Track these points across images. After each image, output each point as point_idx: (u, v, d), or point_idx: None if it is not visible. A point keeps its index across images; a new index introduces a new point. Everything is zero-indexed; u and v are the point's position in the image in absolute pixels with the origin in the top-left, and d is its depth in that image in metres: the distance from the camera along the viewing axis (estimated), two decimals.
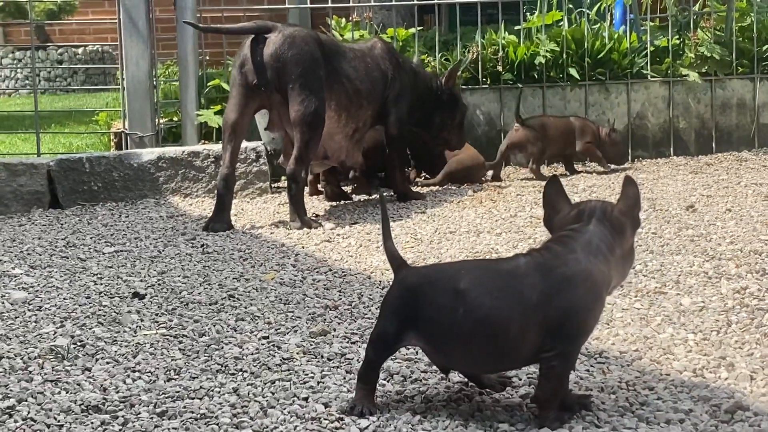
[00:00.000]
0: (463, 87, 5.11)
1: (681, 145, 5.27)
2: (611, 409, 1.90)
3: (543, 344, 1.77)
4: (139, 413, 1.91)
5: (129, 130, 4.94)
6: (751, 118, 5.30)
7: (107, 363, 2.21)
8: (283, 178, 4.53)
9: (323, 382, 2.07)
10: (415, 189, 4.47)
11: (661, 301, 2.62)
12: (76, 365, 2.19)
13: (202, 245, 3.47)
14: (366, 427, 1.84)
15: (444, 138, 4.50)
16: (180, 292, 2.82)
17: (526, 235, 3.49)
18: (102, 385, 2.06)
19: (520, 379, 2.07)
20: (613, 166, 4.87)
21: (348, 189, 4.51)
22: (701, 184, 4.41)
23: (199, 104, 4.95)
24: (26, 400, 1.97)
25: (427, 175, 4.79)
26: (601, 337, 2.35)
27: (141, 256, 3.33)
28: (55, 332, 2.44)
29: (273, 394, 2.01)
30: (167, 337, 2.40)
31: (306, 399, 1.98)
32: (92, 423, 1.87)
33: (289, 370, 2.15)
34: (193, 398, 1.99)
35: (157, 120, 5.00)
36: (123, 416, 1.89)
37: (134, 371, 2.15)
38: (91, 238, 3.64)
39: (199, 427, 1.85)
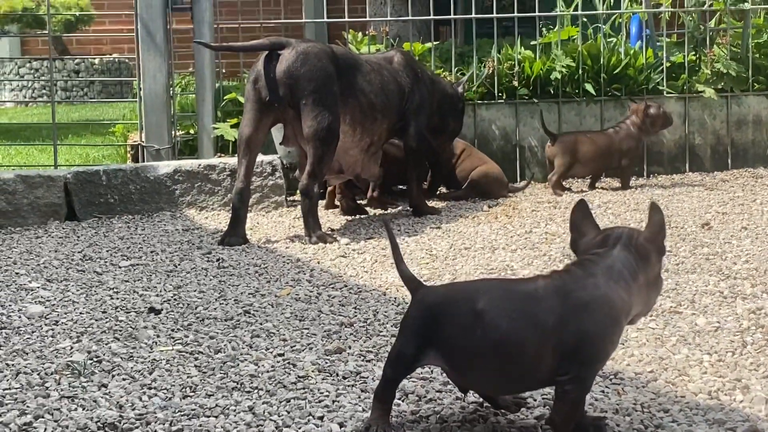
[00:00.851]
0: (479, 102, 5.12)
1: (696, 161, 5.26)
2: None
3: (559, 368, 1.77)
4: (155, 431, 1.92)
5: (146, 143, 4.97)
6: (767, 134, 5.28)
7: (123, 379, 2.22)
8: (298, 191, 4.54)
9: (338, 401, 2.08)
10: (431, 203, 4.48)
11: (676, 321, 2.62)
12: (92, 381, 2.21)
13: (217, 259, 3.49)
14: None
15: (446, 140, 4.58)
16: (196, 308, 2.84)
17: (541, 251, 3.49)
18: (118, 402, 2.07)
19: (535, 400, 2.07)
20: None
21: (364, 203, 4.52)
22: (717, 201, 4.40)
23: (215, 117, 4.98)
24: (43, 417, 1.99)
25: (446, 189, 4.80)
26: (617, 358, 2.35)
27: (157, 270, 3.35)
28: (72, 347, 2.45)
29: (288, 412, 2.01)
30: (183, 353, 2.41)
31: (321, 418, 1.98)
32: None
33: (304, 388, 2.16)
34: (208, 416, 2.00)
35: (173, 133, 5.03)
36: None
37: (150, 388, 2.16)
38: (107, 251, 3.66)
39: None
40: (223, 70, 5.47)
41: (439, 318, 1.83)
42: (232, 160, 4.47)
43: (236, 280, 3.19)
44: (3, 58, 10.25)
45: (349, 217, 4.31)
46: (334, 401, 2.08)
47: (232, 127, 4.84)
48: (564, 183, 4.87)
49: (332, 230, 4.01)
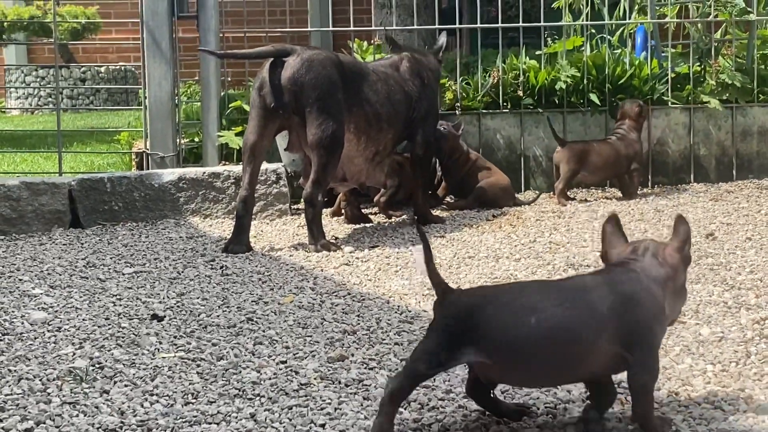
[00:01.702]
0: (484, 111, 5.12)
1: (701, 172, 5.25)
2: None
3: (618, 360, 1.87)
4: None
5: (150, 150, 4.98)
6: None
7: (125, 386, 2.22)
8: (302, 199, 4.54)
9: (340, 409, 2.07)
10: (436, 212, 4.48)
11: (680, 330, 2.61)
12: (94, 388, 2.20)
13: (221, 267, 3.49)
14: None
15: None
16: (199, 315, 2.84)
17: (545, 261, 3.48)
18: (120, 409, 2.07)
19: (538, 408, 2.06)
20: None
21: (368, 211, 4.52)
22: (721, 211, 4.39)
23: (220, 125, 4.98)
24: (44, 423, 1.98)
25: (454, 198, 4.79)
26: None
27: (160, 277, 3.35)
28: (74, 354, 2.45)
29: (290, 420, 2.01)
30: (185, 360, 2.40)
31: (323, 426, 1.98)
32: None
33: (306, 395, 2.15)
34: (210, 423, 1.99)
35: (178, 141, 5.03)
36: None
37: (152, 395, 2.16)
38: (111, 258, 3.66)
39: None
40: (229, 79, 5.47)
41: (480, 316, 1.86)
42: (236, 168, 4.47)
43: (239, 287, 3.19)
44: (9, 66, 10.28)
45: (354, 226, 4.30)
46: (336, 409, 2.07)
47: (236, 135, 4.84)
48: (569, 193, 4.87)
49: (336, 238, 4.01)
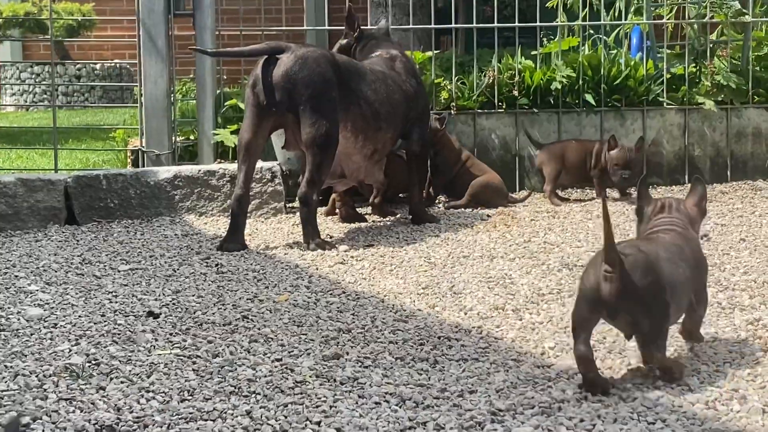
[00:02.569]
0: (479, 111, 5.13)
1: (696, 172, 5.25)
2: None
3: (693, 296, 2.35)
4: None
5: (146, 148, 4.98)
6: (767, 147, 5.30)
7: (121, 382, 2.23)
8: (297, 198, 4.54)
9: (335, 407, 2.08)
10: (431, 211, 4.49)
11: (673, 331, 2.61)
12: (90, 384, 2.21)
13: (216, 265, 3.49)
14: None
15: None
16: (194, 312, 2.84)
17: (539, 260, 3.49)
18: (116, 405, 2.08)
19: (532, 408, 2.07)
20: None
21: (363, 211, 4.52)
22: (715, 212, 4.41)
23: (215, 123, 4.99)
24: (41, 419, 1.99)
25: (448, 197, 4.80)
26: (614, 367, 2.35)
27: (156, 274, 3.35)
28: (70, 350, 2.46)
29: (286, 417, 2.02)
30: (181, 357, 2.41)
31: (318, 423, 1.99)
32: None
33: (301, 393, 2.16)
34: (206, 420, 2.00)
35: (173, 138, 5.04)
36: None
37: (148, 391, 2.16)
38: (106, 255, 3.67)
39: None
40: (224, 77, 5.48)
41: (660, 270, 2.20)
42: (231, 166, 4.48)
43: (235, 285, 3.19)
44: (5, 63, 10.26)
45: (348, 225, 4.31)
46: (331, 406, 2.08)
47: (232, 133, 4.84)
48: (563, 194, 4.88)
49: (331, 237, 4.01)
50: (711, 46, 5.41)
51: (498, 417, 2.03)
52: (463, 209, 4.61)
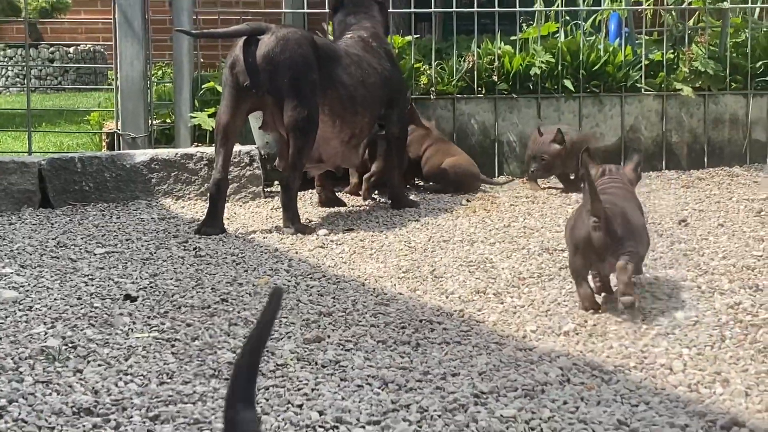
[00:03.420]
0: (459, 96, 5.11)
1: (673, 159, 5.28)
2: (607, 423, 1.90)
3: None
4: (132, 417, 1.89)
5: (122, 131, 4.92)
6: (744, 133, 5.31)
7: (99, 365, 2.19)
8: (276, 182, 4.51)
9: (317, 390, 2.06)
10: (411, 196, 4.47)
11: (655, 315, 2.62)
12: (67, 367, 2.17)
13: (194, 248, 3.45)
14: None
15: None
16: (172, 296, 2.81)
17: (519, 245, 3.48)
18: (94, 388, 2.04)
19: (516, 390, 2.06)
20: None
21: (342, 195, 4.50)
22: (693, 198, 4.42)
23: (192, 106, 4.93)
24: (17, 401, 1.95)
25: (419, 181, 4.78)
26: (596, 350, 2.35)
27: (132, 258, 3.31)
28: (46, 333, 2.42)
29: (267, 400, 1.99)
30: (159, 340, 2.38)
31: (300, 406, 1.96)
32: (84, 426, 1.85)
33: (283, 376, 2.14)
34: (186, 403, 1.97)
35: (150, 121, 4.98)
36: (115, 419, 1.88)
37: (126, 374, 2.13)
38: (81, 238, 3.62)
39: None
40: (201, 60, 5.42)
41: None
42: (209, 150, 4.43)
43: (213, 268, 3.16)
44: None
45: (328, 209, 4.28)
46: (313, 389, 2.06)
47: (209, 116, 4.79)
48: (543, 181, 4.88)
49: (310, 222, 3.98)
50: (689, 32, 5.41)
51: (481, 399, 2.01)
52: (443, 194, 4.58)
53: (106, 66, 8.15)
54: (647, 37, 5.52)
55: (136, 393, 2.02)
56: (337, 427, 1.86)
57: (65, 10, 9.90)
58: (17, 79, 9.73)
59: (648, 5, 5.65)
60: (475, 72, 5.10)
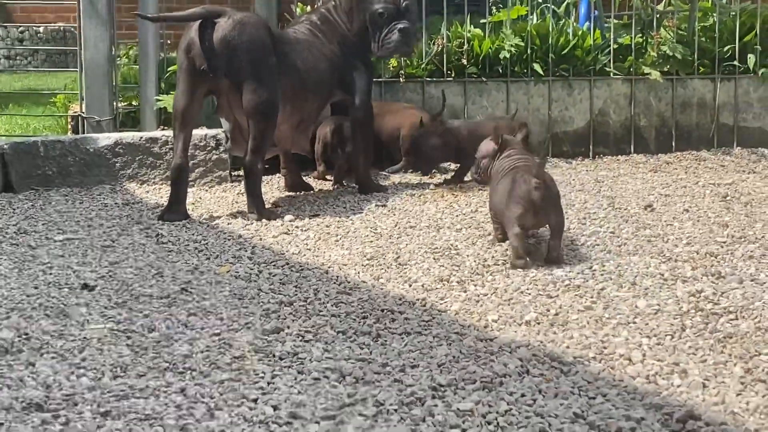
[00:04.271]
0: (428, 79, 5.08)
1: (642, 142, 5.28)
2: (563, 416, 1.89)
3: None
4: (82, 413, 1.86)
5: (86, 114, 4.86)
6: (711, 117, 5.32)
7: (52, 358, 2.16)
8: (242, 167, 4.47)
9: (273, 383, 2.03)
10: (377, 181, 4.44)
11: (617, 303, 2.61)
12: (19, 360, 2.14)
13: (156, 235, 3.42)
14: None
15: None
16: (131, 285, 2.77)
17: (486, 231, 3.47)
18: (45, 382, 2.01)
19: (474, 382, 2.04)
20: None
21: (309, 180, 4.46)
22: (660, 183, 4.42)
23: (158, 89, 4.87)
24: None
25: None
26: (557, 340, 2.34)
27: (93, 245, 3.27)
28: (0, 324, 2.38)
29: (221, 394, 1.97)
30: (115, 332, 2.34)
31: (255, 401, 1.94)
32: (33, 422, 1.82)
33: (239, 369, 2.11)
34: (138, 397, 1.94)
35: (115, 104, 4.91)
36: (65, 415, 1.84)
37: (79, 368, 2.10)
38: (43, 224, 3.57)
39: (143, 429, 1.80)
40: (168, 41, 5.35)
41: None
42: None
43: (175, 256, 3.12)
44: None
45: (294, 194, 4.25)
46: (269, 383, 2.04)
47: None
48: None
49: (276, 207, 3.95)
50: (658, 16, 5.40)
51: (439, 392, 2.00)
52: (410, 180, 4.56)
53: (73, 48, 8.03)
54: (616, 21, 5.51)
55: (88, 387, 1.98)
56: (290, 423, 1.84)
57: None
58: None
59: None
60: (445, 55, 5.07)
